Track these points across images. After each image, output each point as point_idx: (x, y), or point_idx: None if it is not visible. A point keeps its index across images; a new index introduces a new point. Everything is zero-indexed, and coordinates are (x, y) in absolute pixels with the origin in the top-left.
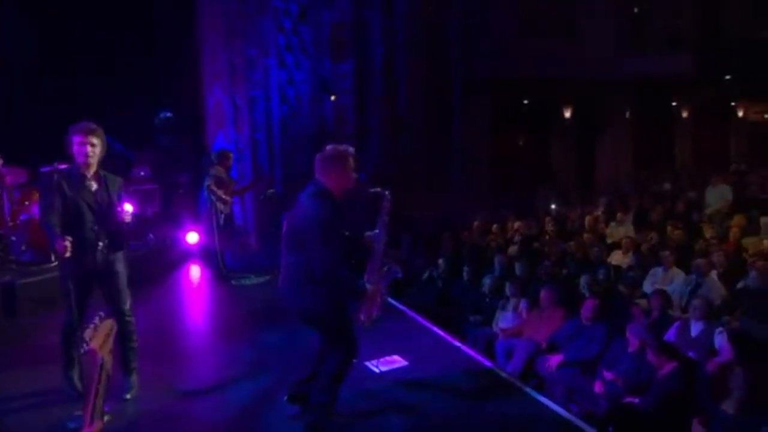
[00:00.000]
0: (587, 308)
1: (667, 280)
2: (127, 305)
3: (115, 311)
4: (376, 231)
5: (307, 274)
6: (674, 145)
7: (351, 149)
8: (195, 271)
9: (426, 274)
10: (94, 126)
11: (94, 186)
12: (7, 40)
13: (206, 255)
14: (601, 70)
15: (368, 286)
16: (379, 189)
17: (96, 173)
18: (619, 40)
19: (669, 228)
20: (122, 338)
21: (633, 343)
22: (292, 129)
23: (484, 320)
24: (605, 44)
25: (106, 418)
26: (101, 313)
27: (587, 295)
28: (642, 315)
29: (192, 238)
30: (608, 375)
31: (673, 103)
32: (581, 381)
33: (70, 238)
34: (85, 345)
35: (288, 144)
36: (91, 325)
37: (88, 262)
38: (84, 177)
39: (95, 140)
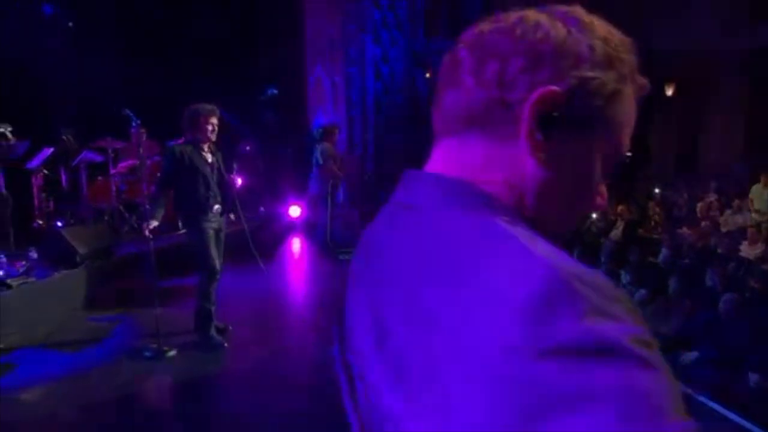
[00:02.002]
0: (727, 302)
1: None
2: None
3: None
4: None
5: None
6: None
7: None
8: (299, 244)
9: None
10: (216, 108)
11: (210, 157)
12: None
13: (311, 228)
14: (712, 42)
15: None
16: None
17: (211, 146)
18: (734, 6)
19: None
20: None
21: None
22: (385, 106)
23: None
24: (718, 12)
25: None
26: None
27: (718, 288)
28: None
29: (294, 211)
30: (755, 377)
31: None
32: (721, 379)
33: (155, 223)
34: None
35: (381, 121)
36: None
37: (209, 223)
38: (202, 149)
39: (216, 120)
